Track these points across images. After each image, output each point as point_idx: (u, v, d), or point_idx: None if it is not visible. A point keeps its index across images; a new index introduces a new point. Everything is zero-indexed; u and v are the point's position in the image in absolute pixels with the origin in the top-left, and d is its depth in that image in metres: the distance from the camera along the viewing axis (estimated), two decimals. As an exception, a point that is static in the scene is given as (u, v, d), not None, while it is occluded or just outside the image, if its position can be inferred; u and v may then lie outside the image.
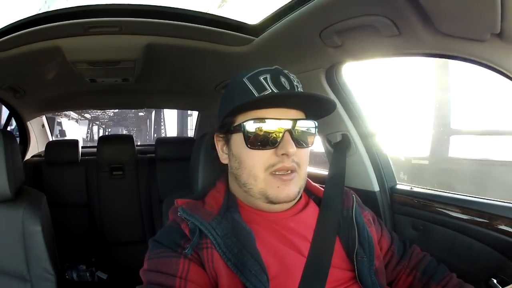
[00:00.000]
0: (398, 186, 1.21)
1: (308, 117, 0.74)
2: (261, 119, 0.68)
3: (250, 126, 0.68)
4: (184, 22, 1.11)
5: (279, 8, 1.00)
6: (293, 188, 0.70)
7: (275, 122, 0.68)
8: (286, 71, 0.74)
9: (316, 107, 0.73)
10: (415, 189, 1.16)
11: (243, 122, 0.69)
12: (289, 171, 0.69)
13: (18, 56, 1.22)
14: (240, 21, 1.14)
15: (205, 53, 1.27)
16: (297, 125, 0.69)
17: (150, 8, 1.10)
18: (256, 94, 0.69)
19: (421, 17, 0.75)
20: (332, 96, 1.18)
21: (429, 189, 1.14)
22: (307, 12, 0.91)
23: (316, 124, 0.74)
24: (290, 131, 0.68)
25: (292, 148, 0.67)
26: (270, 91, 0.69)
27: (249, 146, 0.69)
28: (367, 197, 1.13)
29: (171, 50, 1.27)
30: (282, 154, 0.67)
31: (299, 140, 0.70)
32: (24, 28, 1.11)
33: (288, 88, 0.70)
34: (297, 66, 1.18)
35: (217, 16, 1.15)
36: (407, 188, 1.19)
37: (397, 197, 1.19)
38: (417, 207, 1.12)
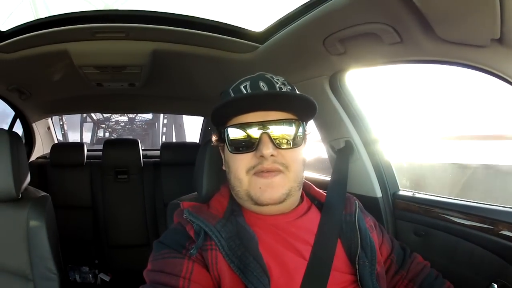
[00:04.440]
0: (401, 192, 1.22)
1: (300, 118, 0.73)
2: (240, 124, 0.70)
3: (230, 132, 0.71)
4: (189, 29, 1.13)
5: (283, 16, 1.02)
6: (276, 190, 0.69)
7: (252, 125, 0.69)
8: (270, 76, 0.73)
9: (302, 107, 0.72)
10: (417, 195, 1.16)
11: (224, 129, 0.72)
12: (274, 171, 0.69)
13: (26, 58, 1.24)
14: (245, 28, 1.15)
15: (210, 59, 1.28)
16: (274, 126, 0.69)
17: (156, 14, 1.12)
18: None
19: (422, 24, 0.76)
20: (335, 102, 1.19)
21: (431, 195, 1.13)
22: (311, 20, 0.92)
23: (303, 125, 0.73)
24: (267, 133, 0.69)
25: (267, 149, 0.67)
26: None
27: (230, 150, 0.71)
28: (370, 203, 1.14)
29: (176, 56, 1.29)
30: (261, 156, 0.68)
31: (281, 141, 0.70)
32: (33, 31, 1.12)
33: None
34: (301, 73, 1.19)
35: (223, 23, 1.15)
36: (409, 194, 1.19)
37: (399, 203, 1.19)
38: (419, 213, 1.12)
